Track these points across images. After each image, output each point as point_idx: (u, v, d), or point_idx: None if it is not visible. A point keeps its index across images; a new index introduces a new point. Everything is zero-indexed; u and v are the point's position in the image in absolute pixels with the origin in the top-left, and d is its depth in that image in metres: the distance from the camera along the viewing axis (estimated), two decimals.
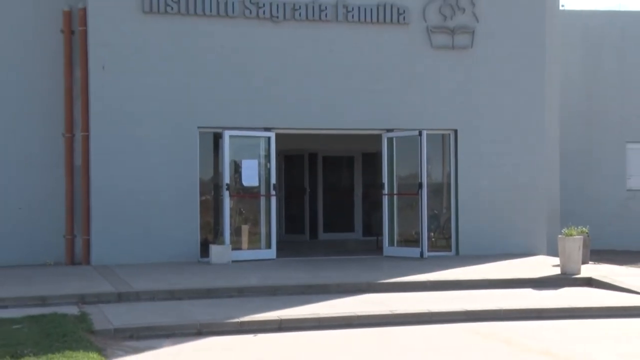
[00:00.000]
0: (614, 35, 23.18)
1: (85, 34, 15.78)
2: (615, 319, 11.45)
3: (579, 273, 14.21)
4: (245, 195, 16.62)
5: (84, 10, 15.78)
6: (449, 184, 17.54)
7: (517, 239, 17.41)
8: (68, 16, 15.97)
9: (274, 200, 16.69)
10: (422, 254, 16.75)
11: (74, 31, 15.98)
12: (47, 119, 16.06)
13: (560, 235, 14.69)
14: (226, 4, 16.10)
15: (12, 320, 10.16)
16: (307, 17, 16.52)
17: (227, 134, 16.10)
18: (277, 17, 16.38)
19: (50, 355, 8.39)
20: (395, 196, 17.26)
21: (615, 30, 23.23)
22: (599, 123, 22.86)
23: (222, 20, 16.15)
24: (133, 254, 15.53)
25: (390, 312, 11.14)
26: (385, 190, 17.29)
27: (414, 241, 17.05)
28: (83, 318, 10.35)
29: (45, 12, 16.02)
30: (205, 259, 15.81)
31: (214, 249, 15.73)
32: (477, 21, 17.38)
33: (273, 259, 16.38)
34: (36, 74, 16.06)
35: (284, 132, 16.80)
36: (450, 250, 17.34)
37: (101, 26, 15.69)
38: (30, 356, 8.36)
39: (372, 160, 21.36)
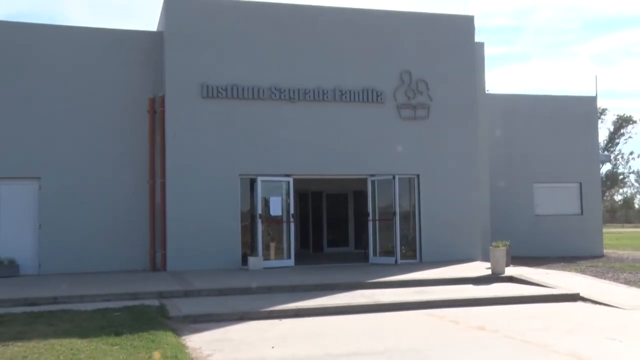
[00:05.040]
0: (523, 110, 23.21)
1: (163, 112, 15.92)
2: (529, 304, 11.41)
3: (504, 273, 14.13)
4: (272, 222, 16.56)
5: (163, 97, 15.96)
6: (414, 212, 17.48)
7: (462, 249, 17.31)
8: (152, 101, 16.13)
9: (292, 225, 16.63)
10: (396, 261, 16.66)
11: (156, 111, 16.12)
12: (137, 170, 16.14)
13: (490, 247, 14.63)
14: (258, 90, 16.22)
15: (114, 310, 10.18)
16: (314, 98, 16.62)
17: (259, 179, 16.14)
18: (294, 98, 16.49)
19: (140, 333, 8.39)
20: (377, 221, 17.20)
21: (524, 107, 23.31)
22: (515, 170, 22.84)
23: (255, 101, 16.26)
24: (195, 263, 15.46)
25: (375, 303, 11.08)
26: (370, 217, 17.24)
27: (391, 252, 16.96)
28: (162, 308, 10.33)
29: (137, 98, 16.19)
30: (245, 267, 15.74)
31: (250, 259, 15.66)
32: (431, 100, 17.47)
33: (292, 266, 16.28)
34: (131, 139, 16.18)
35: (299, 177, 16.82)
36: (416, 259, 17.19)
37: (174, 107, 15.81)
38: (127, 334, 8.35)
39: (360, 196, 21.29)
